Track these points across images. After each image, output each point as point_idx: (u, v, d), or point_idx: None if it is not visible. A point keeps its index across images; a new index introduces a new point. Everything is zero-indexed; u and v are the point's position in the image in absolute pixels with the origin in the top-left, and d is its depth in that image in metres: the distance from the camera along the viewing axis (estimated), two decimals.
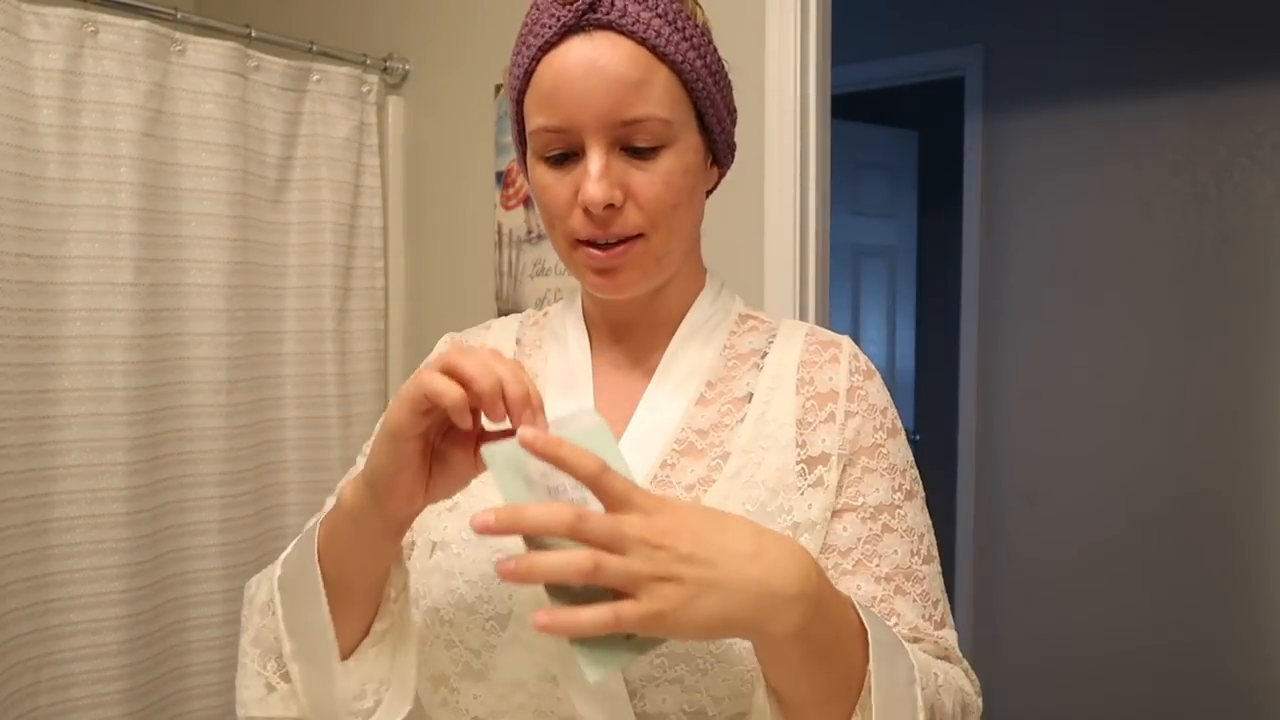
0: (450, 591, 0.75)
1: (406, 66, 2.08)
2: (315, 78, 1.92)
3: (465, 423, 0.62)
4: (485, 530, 0.55)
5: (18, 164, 1.51)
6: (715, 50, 0.78)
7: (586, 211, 0.72)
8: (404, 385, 0.63)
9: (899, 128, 3.75)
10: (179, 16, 1.73)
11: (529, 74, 0.74)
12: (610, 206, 0.72)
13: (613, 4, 0.71)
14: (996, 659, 3.11)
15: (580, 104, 0.71)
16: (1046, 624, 3.08)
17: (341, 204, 1.95)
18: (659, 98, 0.72)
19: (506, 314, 0.95)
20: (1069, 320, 3.03)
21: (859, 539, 0.75)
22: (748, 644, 0.66)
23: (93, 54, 1.60)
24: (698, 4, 0.79)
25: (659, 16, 0.72)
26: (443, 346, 0.92)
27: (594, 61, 0.70)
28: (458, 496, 0.72)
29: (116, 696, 1.62)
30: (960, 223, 3.25)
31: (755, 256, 1.61)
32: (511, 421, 0.61)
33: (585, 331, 0.85)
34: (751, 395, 0.80)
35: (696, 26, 0.75)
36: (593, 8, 0.71)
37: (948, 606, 0.79)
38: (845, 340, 0.84)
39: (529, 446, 0.56)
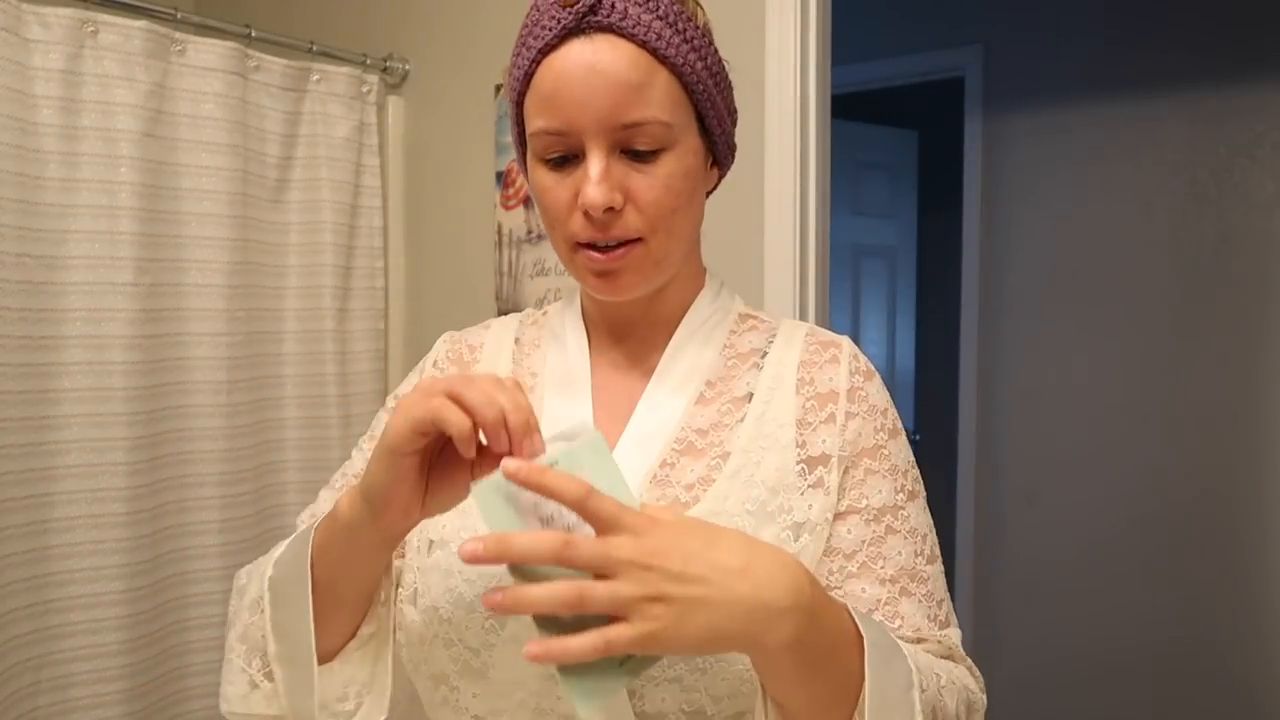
0: (449, 590, 0.75)
1: (406, 66, 2.07)
2: (315, 78, 1.92)
3: (470, 453, 0.62)
4: (474, 560, 0.55)
5: (18, 164, 1.51)
6: (716, 51, 0.77)
7: (586, 214, 0.72)
8: (408, 403, 0.62)
9: (899, 128, 3.75)
10: (179, 16, 1.73)
11: (529, 76, 0.73)
12: (610, 210, 0.72)
13: (613, 6, 0.70)
14: (996, 659, 3.11)
15: (580, 107, 0.70)
16: (1046, 624, 3.08)
17: (341, 204, 1.95)
18: (659, 101, 0.72)
19: (506, 314, 0.95)
20: (1069, 320, 3.03)
21: (863, 541, 0.75)
22: None
23: (93, 54, 1.60)
24: (699, 5, 0.78)
25: (660, 19, 0.72)
26: (442, 345, 0.92)
27: (594, 64, 0.70)
28: None
29: (116, 696, 1.62)
30: (960, 223, 3.25)
31: (755, 256, 1.61)
32: (513, 451, 0.61)
33: (584, 331, 0.85)
34: (751, 395, 0.80)
35: (698, 28, 0.75)
36: (593, 10, 0.70)
37: (951, 605, 0.79)
38: (845, 341, 0.84)
39: (513, 477, 0.57)
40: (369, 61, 2.02)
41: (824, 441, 0.77)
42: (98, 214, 1.60)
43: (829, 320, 1.68)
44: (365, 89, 2.00)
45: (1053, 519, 3.07)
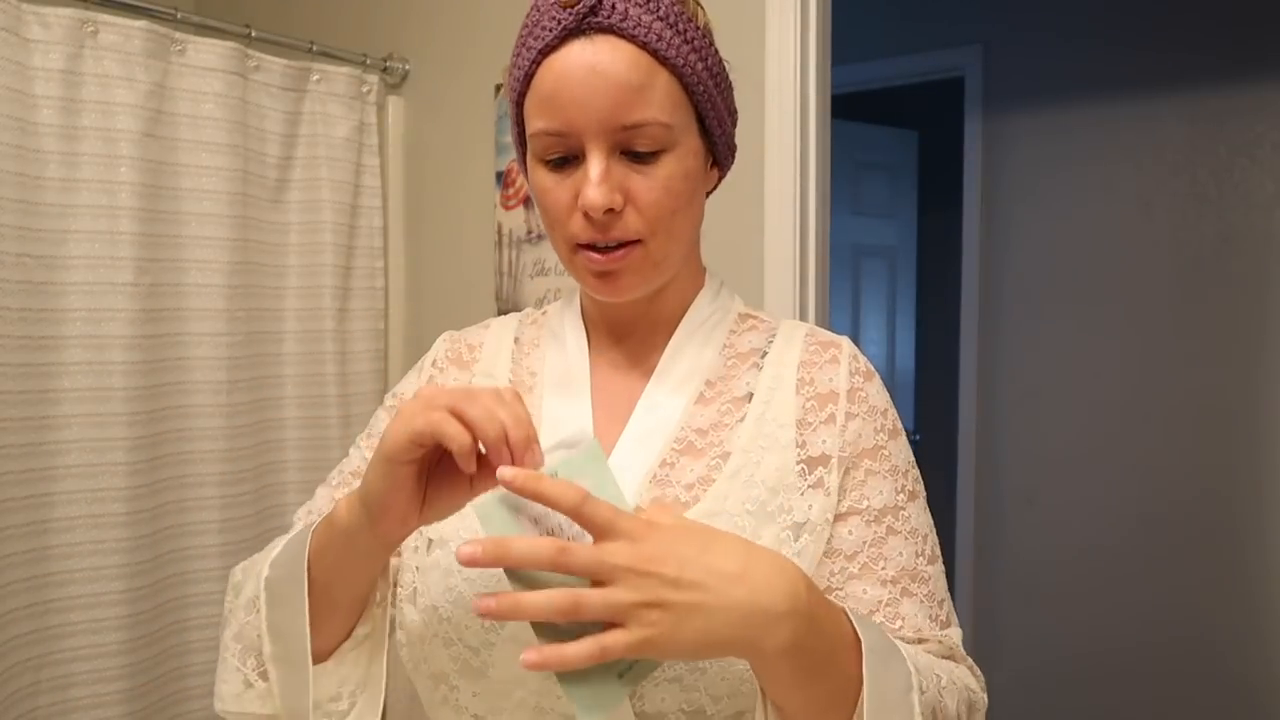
0: (449, 589, 0.75)
1: (406, 66, 2.07)
2: (315, 78, 1.92)
3: (471, 469, 0.62)
4: (471, 562, 0.55)
5: (18, 164, 1.51)
6: (716, 52, 0.77)
7: (586, 215, 0.72)
8: (408, 412, 0.62)
9: (899, 128, 3.75)
10: (179, 16, 1.73)
11: (529, 77, 0.73)
12: (610, 211, 0.72)
13: (614, 7, 0.70)
14: (996, 659, 3.11)
15: (580, 108, 0.70)
16: (1046, 624, 3.08)
17: (341, 204, 1.95)
18: (660, 102, 0.72)
19: (506, 314, 0.95)
20: (1069, 320, 3.03)
21: (864, 542, 0.75)
22: None
23: (93, 54, 1.60)
24: (699, 5, 0.78)
25: (660, 19, 0.72)
26: (441, 345, 0.91)
27: (594, 65, 0.70)
28: None
29: (116, 696, 1.62)
30: (960, 223, 3.25)
31: (755, 256, 1.61)
32: (514, 464, 0.61)
33: (584, 331, 0.85)
34: (751, 395, 0.79)
35: (698, 29, 0.75)
36: (593, 11, 0.70)
37: (952, 605, 0.80)
38: (845, 341, 0.84)
39: (509, 485, 0.57)
40: (369, 61, 2.02)
41: (824, 442, 0.77)
42: (98, 214, 1.60)
43: (829, 320, 1.68)
44: (365, 89, 2.00)
45: (1053, 519, 3.07)
